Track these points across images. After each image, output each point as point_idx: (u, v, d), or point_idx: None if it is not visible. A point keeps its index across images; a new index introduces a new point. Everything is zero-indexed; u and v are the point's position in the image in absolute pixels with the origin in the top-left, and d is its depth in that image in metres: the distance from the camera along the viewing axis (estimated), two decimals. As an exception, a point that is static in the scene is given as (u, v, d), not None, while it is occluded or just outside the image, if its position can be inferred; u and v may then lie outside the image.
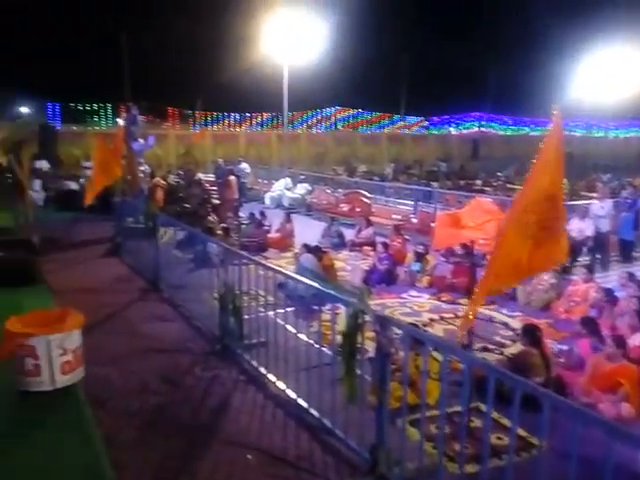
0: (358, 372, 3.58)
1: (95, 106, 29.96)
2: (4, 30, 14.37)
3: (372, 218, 11.40)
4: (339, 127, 33.90)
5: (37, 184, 14.80)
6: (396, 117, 35.91)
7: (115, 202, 10.60)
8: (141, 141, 11.64)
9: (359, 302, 3.46)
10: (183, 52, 30.08)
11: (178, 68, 29.53)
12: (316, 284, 4.25)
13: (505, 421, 3.89)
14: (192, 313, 6.46)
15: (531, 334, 5.00)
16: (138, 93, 25.95)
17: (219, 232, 9.78)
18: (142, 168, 12.79)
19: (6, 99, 23.96)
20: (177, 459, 3.66)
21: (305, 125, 32.37)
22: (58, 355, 3.06)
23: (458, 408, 3.70)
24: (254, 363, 4.98)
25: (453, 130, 38.82)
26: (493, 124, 40.15)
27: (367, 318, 3.50)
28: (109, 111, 30.92)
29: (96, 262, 9.15)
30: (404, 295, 7.60)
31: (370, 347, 3.69)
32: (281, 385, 4.57)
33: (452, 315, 6.81)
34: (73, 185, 16.03)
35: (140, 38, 27.72)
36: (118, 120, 25.26)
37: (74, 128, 24.09)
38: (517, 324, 6.44)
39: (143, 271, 8.16)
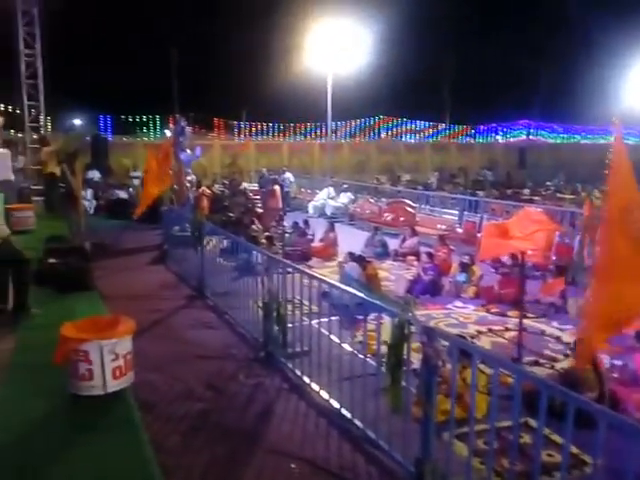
0: (403, 383, 3.53)
1: (144, 117, 31.00)
2: (57, 46, 15.10)
3: (416, 228, 11.28)
4: (382, 136, 33.75)
5: (89, 193, 15.39)
6: (441, 127, 35.48)
7: (163, 211, 10.91)
8: (188, 151, 11.93)
9: (405, 312, 3.41)
10: (228, 63, 30.73)
11: (223, 79, 30.18)
12: (361, 293, 4.22)
13: (556, 437, 3.77)
14: (236, 320, 6.53)
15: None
16: (185, 104, 26.74)
17: (263, 241, 9.89)
18: (189, 178, 13.11)
19: (60, 111, 25.04)
20: (222, 465, 3.69)
21: (348, 134, 32.39)
22: (110, 360, 3.15)
23: (506, 423, 3.59)
24: (297, 371, 4.98)
25: (500, 138, 38.03)
26: (542, 132, 39.13)
27: (413, 329, 3.45)
28: (158, 122, 31.94)
29: (144, 269, 9.39)
30: (449, 306, 7.46)
31: (415, 358, 3.63)
32: (324, 394, 4.55)
33: (500, 327, 6.63)
34: (122, 194, 16.59)
35: (187, 50, 28.57)
36: (166, 131, 26.05)
37: (124, 139, 24.94)
38: (569, 338, 6.21)
39: (189, 278, 8.31)
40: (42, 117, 14.74)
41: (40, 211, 10.26)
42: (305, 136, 29.75)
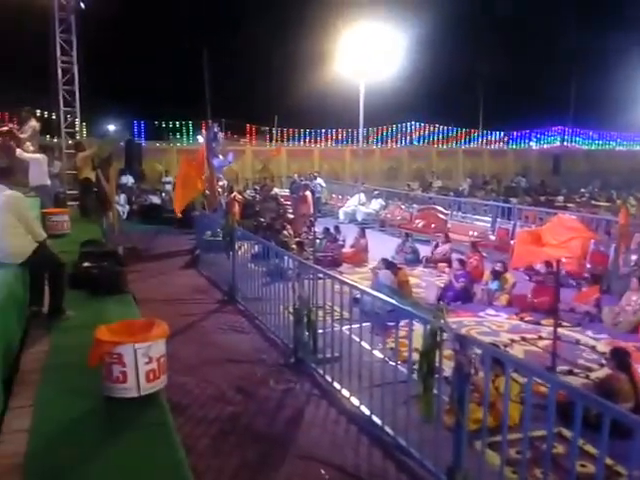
0: (435, 391, 3.49)
1: (177, 123, 31.54)
2: (93, 52, 15.53)
3: (442, 235, 11.16)
4: (415, 142, 33.49)
5: (122, 198, 15.72)
6: (474, 134, 35.02)
7: (194, 216, 11.07)
8: (220, 157, 12.08)
9: (437, 320, 3.37)
10: (261, 69, 31.07)
11: (256, 85, 30.50)
12: (393, 300, 4.19)
13: (589, 448, 3.69)
14: (267, 325, 6.57)
15: (619, 358, 4.69)
16: (217, 110, 27.10)
17: (294, 246, 9.94)
18: (221, 183, 13.27)
19: (96, 117, 25.68)
20: (252, 469, 3.72)
21: (380, 140, 32.26)
22: (144, 363, 3.19)
23: (539, 432, 3.53)
24: (328, 377, 4.98)
25: (533, 144, 37.31)
26: (577, 138, 38.24)
27: (445, 336, 3.41)
28: (190, 128, 32.47)
29: (176, 273, 9.54)
30: (481, 314, 7.35)
31: (447, 366, 3.58)
32: (354, 401, 4.53)
33: (534, 336, 6.48)
34: (155, 199, 16.92)
35: (219, 57, 28.98)
36: (198, 137, 26.46)
37: (157, 144, 25.40)
38: (604, 347, 6.06)
39: (220, 283, 8.41)
40: (78, 123, 15.13)
41: (75, 215, 10.50)
42: (337, 143, 29.74)
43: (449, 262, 9.43)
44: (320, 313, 5.26)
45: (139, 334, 3.34)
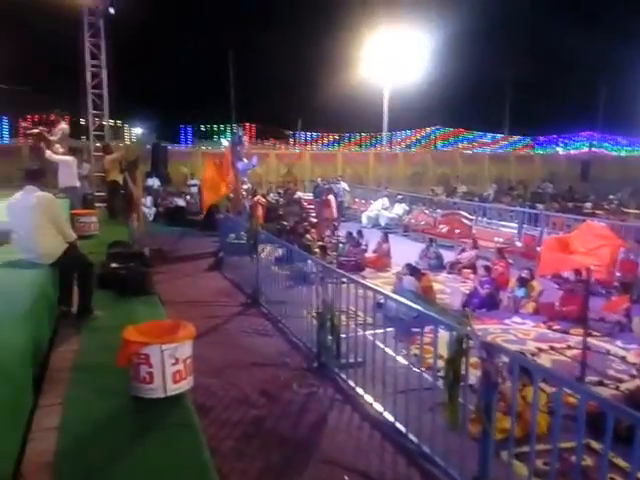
0: (460, 400, 3.44)
1: (202, 127, 32.01)
2: (121, 56, 15.86)
3: (470, 240, 11.04)
4: (439, 147, 33.27)
5: (148, 200, 15.95)
6: (500, 139, 34.63)
7: (218, 219, 11.17)
8: (245, 160, 12.17)
9: (463, 327, 3.33)
10: (284, 73, 31.26)
11: (280, 89, 30.71)
12: (418, 306, 4.15)
13: (619, 461, 3.61)
14: (290, 329, 6.58)
15: (651, 370, 4.56)
16: (242, 114, 27.37)
17: (317, 250, 9.94)
18: (245, 186, 13.36)
19: (124, 120, 26.21)
20: (276, 473, 3.72)
21: (404, 144, 32.12)
22: (170, 364, 3.23)
23: (567, 444, 3.45)
24: (351, 382, 4.96)
25: (561, 150, 36.71)
26: (605, 144, 37.50)
27: (471, 344, 3.36)
28: (215, 131, 32.90)
29: (200, 275, 9.62)
30: (507, 321, 7.23)
31: (472, 374, 3.54)
32: (378, 407, 4.50)
33: (561, 345, 6.36)
34: (180, 201, 17.12)
35: (245, 60, 29.30)
36: (223, 140, 26.74)
37: (182, 148, 25.75)
38: (634, 358, 5.92)
39: (243, 286, 8.45)
40: (106, 126, 15.43)
41: (103, 217, 10.69)
42: (361, 146, 29.72)
43: (474, 268, 9.32)
44: (343, 318, 5.24)
45: (166, 335, 3.38)
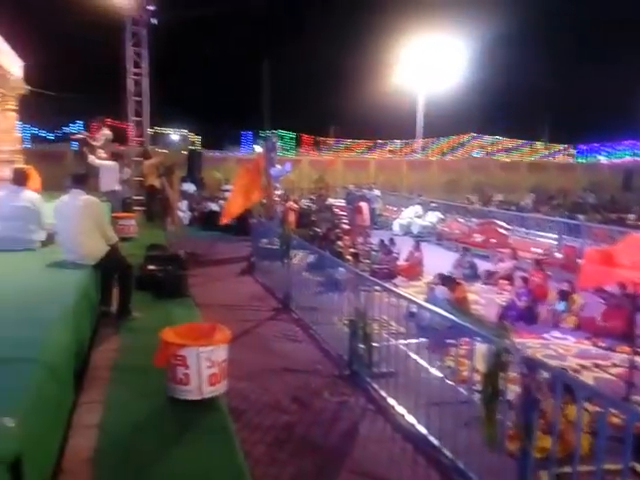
0: (498, 416, 3.35)
1: (236, 133, 32.45)
2: (161, 64, 16.28)
3: (509, 250, 10.81)
4: (475, 154, 32.70)
5: (184, 205, 16.23)
6: (539, 147, 33.87)
7: (252, 224, 11.27)
8: (278, 166, 12.27)
9: (503, 340, 3.25)
10: (318, 80, 31.42)
11: (313, 95, 30.87)
12: (453, 316, 4.08)
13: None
14: (321, 335, 6.56)
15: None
16: (275, 120, 27.63)
17: (349, 257, 9.91)
18: (278, 192, 13.46)
19: (162, 126, 26.83)
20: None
21: (438, 151, 31.74)
22: (206, 367, 3.27)
23: (611, 466, 3.31)
24: (383, 393, 4.90)
25: (603, 159, 35.67)
26: (650, 153, 36.26)
27: (510, 358, 3.28)
28: (249, 138, 33.29)
29: (233, 279, 9.70)
30: (546, 336, 7.01)
31: (511, 389, 3.44)
32: (411, 419, 4.43)
33: (605, 362, 6.11)
34: (214, 206, 17.35)
35: (277, 67, 29.61)
36: (255, 146, 27.06)
37: (217, 154, 26.13)
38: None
39: (275, 290, 8.49)
40: (146, 132, 15.81)
41: (141, 220, 10.94)
42: (394, 153, 29.54)
43: (510, 279, 9.12)
44: (375, 326, 5.20)
45: (203, 338, 3.43)
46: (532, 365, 3.07)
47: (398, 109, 23.60)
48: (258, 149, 22.68)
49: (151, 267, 6.53)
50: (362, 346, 5.25)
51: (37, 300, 3.82)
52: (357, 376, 5.34)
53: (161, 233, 10.10)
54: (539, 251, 11.17)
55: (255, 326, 7.07)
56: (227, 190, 19.00)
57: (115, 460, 2.79)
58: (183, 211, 15.63)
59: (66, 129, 23.66)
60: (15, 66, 9.49)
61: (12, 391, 2.36)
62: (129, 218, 9.39)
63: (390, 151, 28.98)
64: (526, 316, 7.44)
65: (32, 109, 13.91)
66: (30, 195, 5.87)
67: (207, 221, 15.67)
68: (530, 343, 6.67)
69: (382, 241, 11.34)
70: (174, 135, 31.87)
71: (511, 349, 3.23)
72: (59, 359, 3.03)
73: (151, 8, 15.10)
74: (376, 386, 5.04)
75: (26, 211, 5.66)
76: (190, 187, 19.10)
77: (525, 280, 8.07)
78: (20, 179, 5.97)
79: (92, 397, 3.44)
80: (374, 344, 5.13)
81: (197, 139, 30.96)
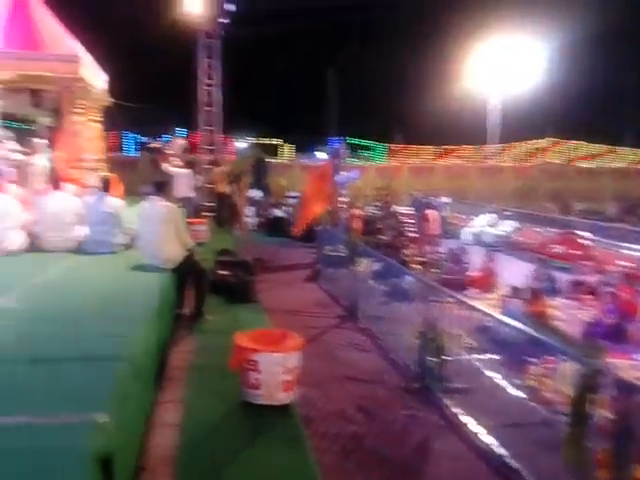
0: (586, 442, 3.13)
1: (303, 141, 32.77)
2: (231, 74, 16.79)
3: (592, 263, 10.18)
4: (552, 160, 31.11)
5: (251, 211, 16.55)
6: (624, 152, 31.89)
7: (317, 230, 11.30)
8: (345, 173, 12.26)
9: (594, 360, 3.03)
10: (384, 85, 31.20)
11: (379, 101, 30.68)
12: (534, 332, 3.87)
13: None
14: (388, 345, 6.43)
15: None
16: (342, 126, 27.68)
17: (416, 266, 9.71)
18: (344, 199, 13.44)
19: (232, 135, 27.59)
20: (379, 494, 3.61)
21: (512, 157, 30.56)
22: (279, 373, 3.27)
23: None
24: (455, 409, 4.71)
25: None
26: None
27: (601, 380, 3.05)
28: (315, 145, 33.60)
29: (298, 285, 9.74)
30: (636, 356, 6.50)
31: (601, 414, 3.20)
32: (486, 439, 4.23)
33: None
34: (279, 212, 17.59)
35: (344, 75, 29.71)
36: (318, 153, 27.24)
37: (283, 161, 26.53)
38: None
39: (340, 298, 8.43)
40: (217, 140, 16.31)
41: (211, 226, 11.24)
42: (463, 159, 28.77)
43: (595, 294, 8.56)
44: (446, 339, 5.03)
45: (275, 344, 3.45)
46: (626, 388, 2.84)
47: (468, 113, 22.95)
48: (323, 156, 22.80)
49: (222, 272, 6.67)
50: (433, 359, 5.10)
51: (123, 300, 4.02)
52: (427, 390, 5.18)
53: (230, 238, 10.34)
54: (627, 264, 10.41)
55: (320, 333, 7.05)
56: (291, 197, 19.27)
57: (194, 461, 2.84)
58: (250, 217, 15.93)
59: (144, 138, 24.83)
60: (100, 80, 10.05)
61: (102, 388, 2.45)
62: (201, 224, 9.67)
63: (458, 157, 28.27)
64: (614, 334, 6.90)
65: (115, 119, 14.67)
66: (113, 201, 6.22)
67: (272, 227, 15.90)
68: (619, 364, 6.21)
69: (452, 250, 11.04)
70: (241, 143, 32.70)
71: (603, 370, 3.00)
72: (143, 358, 3.13)
73: (224, 21, 15.63)
74: (448, 402, 4.85)
75: (109, 216, 6.01)
76: (257, 194, 19.47)
77: (613, 295, 7.54)
78: (104, 186, 6.35)
79: (170, 396, 3.54)
80: (446, 357, 4.97)
81: (284, 145, 31.45)
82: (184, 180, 10.86)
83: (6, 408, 2.31)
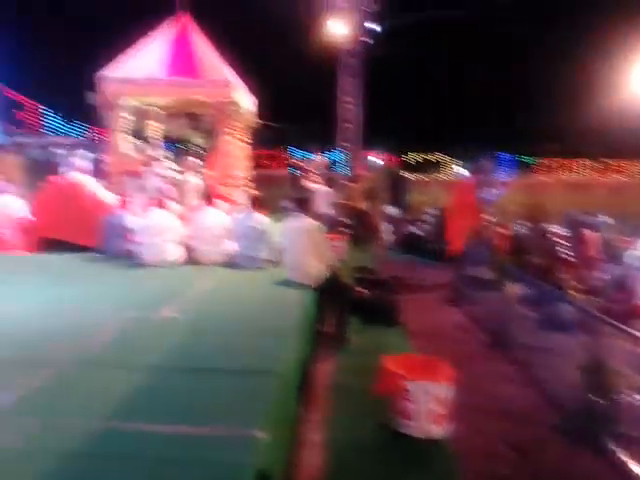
0: None
1: (432, 156, 32.16)
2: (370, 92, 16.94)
3: None
4: None
5: (387, 228, 16.41)
6: None
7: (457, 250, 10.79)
8: (493, 190, 11.66)
9: None
10: (537, 97, 29.50)
11: (531, 115, 29.01)
12: None
13: None
14: (541, 380, 5.85)
15: None
16: (489, 142, 26.61)
17: (573, 292, 8.81)
18: (489, 217, 12.77)
19: (370, 151, 27.96)
20: None
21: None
22: (432, 405, 3.08)
23: None
24: (630, 461, 4.09)
25: None
26: None
27: None
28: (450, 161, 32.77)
29: (435, 307, 9.33)
30: None
31: None
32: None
33: None
34: (415, 230, 17.20)
35: (486, 87, 28.60)
36: (456, 167, 26.42)
37: (423, 177, 26.19)
38: None
39: (482, 323, 7.91)
40: (356, 157, 16.53)
41: (348, 242, 11.31)
42: (624, 174, 26.01)
43: None
44: (616, 377, 4.42)
45: (426, 372, 3.26)
46: None
47: (632, 123, 20.63)
48: (463, 172, 22.07)
49: (361, 290, 6.62)
50: (598, 399, 4.51)
51: (270, 315, 4.13)
52: (590, 433, 4.58)
53: (367, 256, 10.30)
54: None
55: (462, 361, 6.55)
56: (431, 214, 18.79)
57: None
58: (386, 234, 15.80)
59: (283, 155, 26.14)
60: (249, 102, 10.72)
61: (257, 402, 2.46)
62: (339, 240, 9.75)
63: (620, 172, 25.60)
64: None
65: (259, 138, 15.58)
66: (260, 217, 6.51)
67: (409, 244, 15.59)
68: None
69: (616, 275, 9.86)
70: (376, 159, 32.97)
71: None
72: (290, 373, 3.14)
73: (366, 40, 15.89)
74: (618, 450, 4.24)
75: (256, 232, 6.28)
76: (393, 210, 19.30)
77: None
78: (252, 203, 6.69)
79: (315, 414, 3.52)
80: (617, 399, 4.36)
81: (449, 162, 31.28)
82: (324, 197, 11.10)
83: (168, 416, 2.41)
